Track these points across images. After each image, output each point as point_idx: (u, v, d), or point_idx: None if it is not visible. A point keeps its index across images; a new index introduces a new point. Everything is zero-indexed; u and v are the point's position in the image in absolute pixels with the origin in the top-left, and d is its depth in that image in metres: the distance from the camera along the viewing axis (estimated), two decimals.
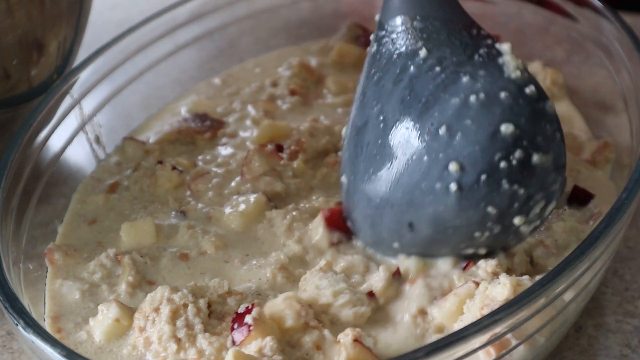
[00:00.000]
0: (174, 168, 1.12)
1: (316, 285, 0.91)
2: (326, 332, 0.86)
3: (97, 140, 1.21)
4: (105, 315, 0.91)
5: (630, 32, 1.12)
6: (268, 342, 0.83)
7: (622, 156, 1.11)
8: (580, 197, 1.03)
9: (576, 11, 1.26)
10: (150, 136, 1.22)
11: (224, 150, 1.17)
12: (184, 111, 1.26)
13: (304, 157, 1.12)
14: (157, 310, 0.88)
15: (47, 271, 1.00)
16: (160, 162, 1.13)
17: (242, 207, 1.03)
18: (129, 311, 0.91)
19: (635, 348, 0.96)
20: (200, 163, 1.15)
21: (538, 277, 0.86)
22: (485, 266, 0.91)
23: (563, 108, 1.24)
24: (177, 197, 1.09)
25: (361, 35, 1.39)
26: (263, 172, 1.08)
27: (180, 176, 1.11)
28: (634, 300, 1.02)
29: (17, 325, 0.82)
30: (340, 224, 0.98)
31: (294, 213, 1.02)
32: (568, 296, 0.83)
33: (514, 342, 0.81)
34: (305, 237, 1.00)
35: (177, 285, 0.91)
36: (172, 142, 1.19)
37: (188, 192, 1.10)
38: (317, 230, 0.99)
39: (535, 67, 1.29)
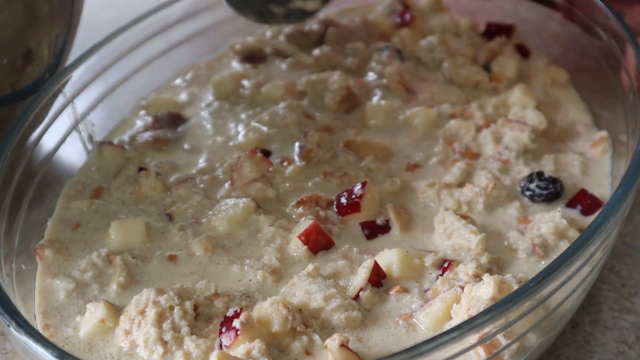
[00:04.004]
0: (157, 174, 1.10)
1: (306, 290, 0.91)
2: (316, 337, 0.86)
3: (90, 139, 1.20)
4: (92, 315, 0.90)
5: (626, 27, 1.11)
6: (256, 345, 0.83)
7: (620, 149, 1.11)
8: (586, 203, 1.03)
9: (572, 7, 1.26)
10: (133, 133, 1.20)
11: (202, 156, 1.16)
12: (145, 115, 1.24)
13: (307, 165, 1.11)
14: (142, 312, 0.88)
15: (37, 268, 0.99)
16: (142, 169, 1.11)
17: (231, 211, 1.03)
18: (116, 312, 0.91)
19: (632, 344, 0.95)
20: (181, 164, 1.13)
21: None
22: (466, 269, 0.91)
23: (565, 100, 1.24)
24: (162, 201, 1.08)
25: (398, 10, 1.40)
26: (254, 178, 1.07)
27: (164, 182, 1.10)
28: (630, 297, 1.01)
29: (9, 326, 0.82)
30: (318, 241, 0.98)
31: (280, 221, 1.02)
32: (562, 294, 0.83)
33: (504, 342, 0.81)
34: (287, 248, 0.99)
35: (162, 288, 0.91)
36: (151, 146, 1.17)
37: (170, 196, 1.08)
38: (299, 250, 0.98)
39: (538, 64, 1.29)
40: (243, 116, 1.22)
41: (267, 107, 1.21)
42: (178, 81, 1.32)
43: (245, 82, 1.28)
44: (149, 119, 1.22)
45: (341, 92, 1.21)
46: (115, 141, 1.19)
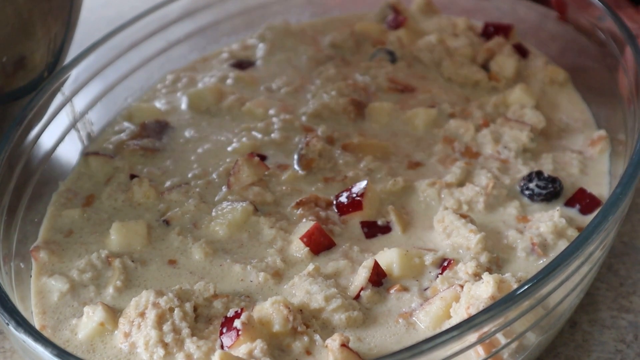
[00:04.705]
0: (150, 181, 1.08)
1: (306, 290, 0.91)
2: (317, 337, 0.86)
3: (89, 137, 1.20)
4: (90, 318, 0.90)
5: (624, 26, 1.11)
6: (258, 345, 0.83)
7: (618, 148, 1.11)
8: (585, 202, 1.03)
9: (569, 6, 1.26)
10: (118, 141, 1.17)
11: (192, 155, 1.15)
12: (129, 123, 1.22)
13: (307, 173, 1.10)
14: (142, 315, 0.88)
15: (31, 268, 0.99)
16: (134, 176, 1.10)
17: (230, 215, 1.02)
18: (115, 315, 0.90)
19: (630, 343, 0.96)
20: (172, 171, 1.12)
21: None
22: (466, 268, 0.92)
23: (564, 100, 1.24)
24: (156, 208, 1.06)
25: (389, 15, 1.40)
26: (251, 182, 1.07)
27: (157, 189, 1.08)
28: (628, 296, 1.02)
29: (8, 325, 0.82)
30: (320, 242, 0.98)
31: (280, 223, 1.02)
32: (561, 293, 0.83)
33: (503, 341, 0.81)
34: (288, 249, 0.99)
35: (162, 289, 0.91)
36: (139, 154, 1.15)
37: (164, 202, 1.07)
38: (301, 252, 0.98)
39: (537, 64, 1.29)
40: (229, 125, 1.21)
41: (248, 121, 1.20)
42: (159, 86, 1.30)
43: (227, 88, 1.26)
44: (135, 127, 1.20)
45: (346, 101, 1.21)
46: (101, 150, 1.16)
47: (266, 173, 1.09)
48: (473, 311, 0.84)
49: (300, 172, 1.11)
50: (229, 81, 1.30)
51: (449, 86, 1.28)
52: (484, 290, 0.85)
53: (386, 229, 1.02)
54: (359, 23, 1.40)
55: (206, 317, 0.90)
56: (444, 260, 0.95)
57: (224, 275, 0.97)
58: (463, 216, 1.00)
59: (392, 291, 0.93)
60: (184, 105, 1.26)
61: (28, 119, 1.06)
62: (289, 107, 1.23)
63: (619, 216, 0.88)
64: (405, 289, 0.93)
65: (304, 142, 1.12)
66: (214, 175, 1.11)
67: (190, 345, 0.85)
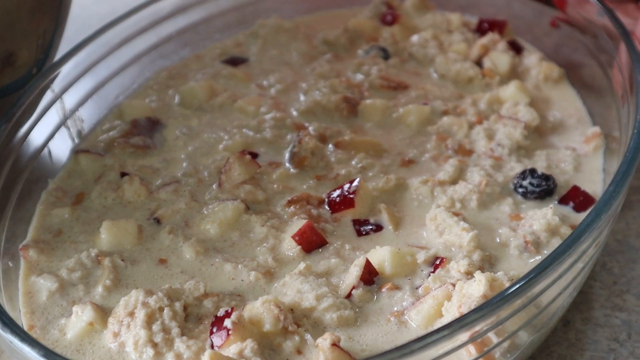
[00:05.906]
0: (141, 179, 1.07)
1: (297, 289, 0.90)
2: (308, 336, 0.85)
3: (79, 135, 1.19)
4: (79, 318, 0.89)
5: (619, 23, 1.11)
6: (248, 344, 0.82)
7: (612, 145, 1.10)
8: (578, 200, 1.02)
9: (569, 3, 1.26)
10: (109, 138, 1.16)
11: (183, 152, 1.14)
12: (119, 120, 1.20)
13: (299, 171, 1.09)
14: (131, 314, 0.87)
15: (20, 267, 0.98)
16: (125, 174, 1.09)
17: (221, 214, 1.01)
18: (104, 315, 0.90)
19: (623, 342, 0.95)
20: (162, 169, 1.11)
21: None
22: (458, 266, 0.91)
23: (558, 96, 1.23)
24: (147, 206, 1.05)
25: (386, 13, 1.39)
26: (243, 180, 1.06)
27: (148, 187, 1.07)
28: (622, 294, 1.01)
29: None
30: (312, 240, 0.97)
31: (272, 221, 1.01)
32: (554, 291, 0.83)
33: (495, 340, 0.81)
34: (280, 247, 0.98)
35: (151, 288, 0.90)
36: (129, 152, 1.14)
37: (155, 200, 1.06)
38: (293, 250, 0.98)
39: (531, 60, 1.28)
40: (221, 122, 1.20)
41: (240, 119, 1.19)
42: (151, 83, 1.29)
43: (219, 85, 1.25)
44: (125, 124, 1.18)
45: (339, 98, 1.20)
46: (92, 148, 1.15)
47: (257, 171, 1.08)
48: (465, 310, 0.83)
49: (292, 170, 1.10)
50: (221, 78, 1.29)
51: (442, 83, 1.27)
52: (476, 288, 0.85)
53: (378, 227, 1.01)
54: (352, 19, 1.39)
55: (196, 317, 0.89)
56: (436, 258, 0.95)
57: (215, 274, 0.96)
58: (456, 214, 0.99)
59: (383, 290, 0.92)
60: (175, 102, 1.25)
61: (17, 116, 1.05)
62: (281, 104, 1.22)
63: (613, 214, 0.88)
64: (397, 287, 0.92)
65: (296, 140, 1.12)
66: (205, 174, 1.10)
67: (180, 344, 0.85)
